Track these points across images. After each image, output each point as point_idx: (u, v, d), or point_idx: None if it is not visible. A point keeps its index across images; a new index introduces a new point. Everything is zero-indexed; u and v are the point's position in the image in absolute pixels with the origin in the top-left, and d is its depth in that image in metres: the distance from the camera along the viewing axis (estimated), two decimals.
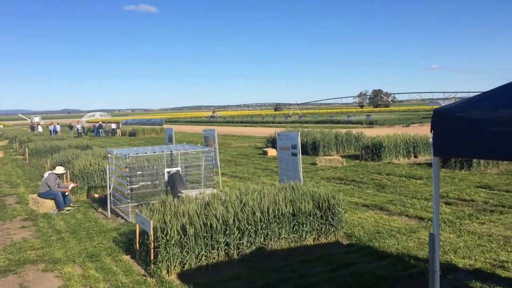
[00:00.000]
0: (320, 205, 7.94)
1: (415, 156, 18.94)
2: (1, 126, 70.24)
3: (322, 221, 7.97)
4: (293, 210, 7.73)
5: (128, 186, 10.28)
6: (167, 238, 6.62)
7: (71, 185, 12.04)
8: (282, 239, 7.61)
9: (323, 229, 8.00)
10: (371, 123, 50.75)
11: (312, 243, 7.85)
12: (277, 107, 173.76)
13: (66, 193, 11.53)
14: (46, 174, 11.92)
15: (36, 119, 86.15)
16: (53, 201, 11.35)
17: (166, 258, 6.58)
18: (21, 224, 10.16)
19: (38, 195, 11.64)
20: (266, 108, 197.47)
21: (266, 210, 7.46)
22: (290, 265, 6.82)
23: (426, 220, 9.06)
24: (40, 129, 55.16)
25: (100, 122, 54.51)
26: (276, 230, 7.54)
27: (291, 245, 7.65)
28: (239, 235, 7.19)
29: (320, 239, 7.98)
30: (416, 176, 14.26)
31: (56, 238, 8.90)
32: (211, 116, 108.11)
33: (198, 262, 6.85)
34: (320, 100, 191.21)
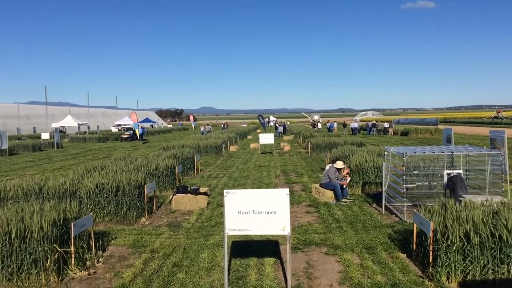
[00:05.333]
0: None
1: None
2: (288, 123, 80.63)
3: None
4: None
5: (404, 185, 10.21)
6: (448, 243, 6.27)
7: (348, 176, 12.77)
8: None
9: None
10: None
11: None
12: None
13: (344, 186, 12.33)
14: (327, 167, 13.03)
15: (316, 117, 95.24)
16: (332, 192, 12.34)
17: (446, 264, 6.25)
18: (306, 210, 11.44)
19: (319, 185, 12.88)
20: None
21: None
22: None
23: None
24: (319, 126, 60.70)
25: (374, 121, 55.89)
26: None
27: None
28: None
29: None
30: None
31: (335, 226, 9.66)
32: (494, 116, 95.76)
33: (483, 274, 6.22)
34: None
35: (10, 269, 6.60)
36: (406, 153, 10.13)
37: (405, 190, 10.15)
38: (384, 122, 59.03)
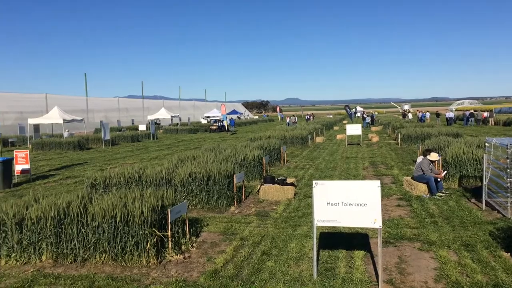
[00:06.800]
0: None
1: None
2: (376, 113, 77.94)
3: None
4: None
5: (508, 179, 9.40)
6: None
7: (444, 172, 12.08)
8: None
9: None
10: None
11: None
12: None
13: (439, 179, 11.66)
14: (419, 159, 12.41)
15: (406, 107, 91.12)
16: (425, 185, 11.73)
17: None
18: (397, 203, 11.02)
19: (411, 178, 12.31)
20: None
21: None
22: None
23: None
24: (410, 116, 57.94)
25: (472, 111, 52.07)
26: None
27: None
28: None
29: None
30: None
31: (429, 221, 9.19)
32: None
33: None
34: None
35: (115, 250, 7.20)
36: (510, 144, 9.31)
37: (509, 184, 9.35)
38: (483, 111, 54.69)
